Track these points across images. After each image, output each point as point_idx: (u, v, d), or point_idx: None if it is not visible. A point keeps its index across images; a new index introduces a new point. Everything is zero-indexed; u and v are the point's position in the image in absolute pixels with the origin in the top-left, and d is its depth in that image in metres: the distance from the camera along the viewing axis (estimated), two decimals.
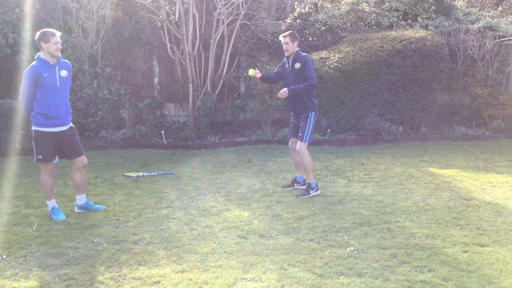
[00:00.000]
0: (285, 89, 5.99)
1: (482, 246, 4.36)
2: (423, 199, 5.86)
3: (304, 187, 6.30)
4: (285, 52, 6.12)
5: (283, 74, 6.29)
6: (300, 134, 6.10)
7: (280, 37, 6.14)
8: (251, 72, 6.21)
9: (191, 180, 7.02)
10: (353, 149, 9.24)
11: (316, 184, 6.18)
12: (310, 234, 4.73)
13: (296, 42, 6.08)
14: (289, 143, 6.51)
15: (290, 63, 6.13)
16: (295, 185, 6.50)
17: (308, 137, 6.07)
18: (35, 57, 5.18)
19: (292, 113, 6.37)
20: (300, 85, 5.97)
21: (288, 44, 6.03)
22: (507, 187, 6.39)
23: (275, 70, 6.49)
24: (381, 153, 8.80)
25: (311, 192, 6.06)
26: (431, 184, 6.56)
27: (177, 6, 9.96)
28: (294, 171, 7.37)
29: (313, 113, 6.10)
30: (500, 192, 6.15)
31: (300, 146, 6.09)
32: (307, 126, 6.05)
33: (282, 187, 6.53)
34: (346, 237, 4.62)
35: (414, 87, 10.03)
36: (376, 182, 6.75)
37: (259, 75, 6.27)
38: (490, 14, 12.31)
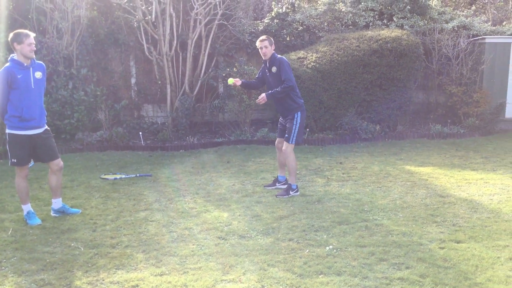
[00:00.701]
0: (263, 94, 6.04)
1: (458, 242, 4.45)
2: (400, 197, 5.94)
3: (285, 186, 6.32)
4: (263, 57, 6.10)
5: (265, 79, 6.29)
6: (286, 135, 6.10)
7: (257, 42, 6.09)
8: (231, 81, 6.22)
9: (169, 181, 6.97)
10: (331, 148, 9.30)
11: (297, 186, 6.20)
12: (289, 233, 4.75)
13: (273, 45, 6.08)
14: (276, 142, 6.55)
15: (268, 67, 6.13)
16: (277, 184, 6.52)
17: (294, 138, 6.07)
18: (9, 58, 5.08)
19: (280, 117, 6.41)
20: (277, 89, 5.97)
21: (267, 48, 6.02)
22: (482, 183, 6.52)
23: (257, 76, 6.47)
24: (359, 152, 8.89)
25: (290, 192, 6.08)
26: (408, 182, 6.65)
27: (153, 6, 9.87)
28: (273, 171, 7.40)
29: (299, 113, 6.09)
30: (475, 188, 6.27)
31: (286, 147, 6.10)
32: (293, 127, 6.05)
33: (264, 186, 6.54)
34: (325, 236, 4.65)
35: (390, 86, 10.15)
36: (354, 180, 6.81)
37: (239, 83, 6.26)
38: (464, 13, 12.53)
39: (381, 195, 6.05)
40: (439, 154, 8.55)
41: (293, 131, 6.05)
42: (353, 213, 5.33)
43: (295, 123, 6.06)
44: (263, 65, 6.29)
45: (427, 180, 6.76)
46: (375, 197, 5.94)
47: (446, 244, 4.39)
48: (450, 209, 5.45)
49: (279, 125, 6.42)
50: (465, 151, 8.80)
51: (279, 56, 6.10)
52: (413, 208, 5.49)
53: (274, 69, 6.04)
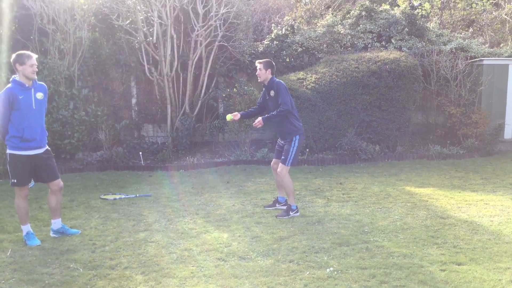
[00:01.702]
0: (260, 118, 6.05)
1: (459, 264, 4.42)
2: (400, 218, 5.93)
3: (285, 207, 6.32)
4: (258, 78, 6.19)
5: (265, 104, 6.35)
6: (283, 157, 6.10)
7: (256, 63, 6.22)
8: (229, 117, 6.19)
9: (169, 201, 6.96)
10: (331, 169, 9.31)
11: (297, 206, 6.20)
12: (289, 255, 4.73)
13: (269, 70, 6.12)
14: (272, 163, 6.54)
15: (267, 91, 6.21)
16: (277, 205, 6.52)
17: (290, 161, 6.07)
18: (10, 79, 5.12)
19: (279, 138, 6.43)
20: (273, 112, 6.02)
21: (261, 71, 6.10)
22: (482, 205, 6.51)
23: (258, 101, 6.51)
24: (359, 172, 8.89)
25: (290, 213, 6.07)
26: (408, 203, 6.64)
27: (155, 28, 9.99)
28: (273, 191, 7.40)
29: (297, 136, 6.10)
30: (475, 210, 6.26)
31: (282, 169, 6.09)
32: (291, 149, 6.06)
33: (264, 207, 6.53)
34: (325, 258, 4.63)
35: (389, 107, 10.21)
36: (355, 201, 6.80)
37: (237, 117, 6.22)
38: (461, 35, 12.68)
39: (381, 216, 6.04)
40: (439, 175, 8.55)
41: (290, 153, 6.06)
42: (353, 234, 5.31)
43: (293, 145, 6.07)
44: (263, 89, 6.35)
45: (428, 201, 6.75)
46: (375, 218, 5.93)
47: (447, 266, 4.37)
48: (451, 230, 5.43)
49: (276, 146, 6.43)
50: (465, 172, 8.81)
51: (277, 80, 6.15)
52: (414, 230, 5.47)
53: (272, 93, 6.11)
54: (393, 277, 4.15)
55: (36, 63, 5.10)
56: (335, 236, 5.27)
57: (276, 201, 6.55)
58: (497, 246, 4.90)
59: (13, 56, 5.06)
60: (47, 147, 5.30)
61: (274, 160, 6.47)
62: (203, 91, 10.78)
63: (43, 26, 9.51)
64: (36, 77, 5.13)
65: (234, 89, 10.42)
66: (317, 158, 9.85)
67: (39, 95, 5.16)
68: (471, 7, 15.12)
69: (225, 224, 5.81)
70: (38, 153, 5.16)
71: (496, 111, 10.98)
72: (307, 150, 9.98)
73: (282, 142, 6.25)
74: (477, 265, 4.40)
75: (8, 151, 5.10)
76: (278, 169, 6.14)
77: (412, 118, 10.92)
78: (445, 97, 11.12)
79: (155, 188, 7.86)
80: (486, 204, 6.55)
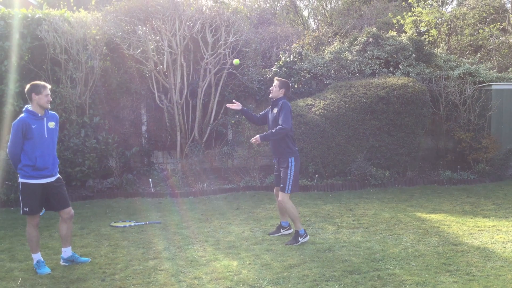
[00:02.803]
0: (257, 136, 6.08)
1: None
2: (412, 245, 5.86)
3: (289, 231, 6.29)
4: (270, 93, 6.28)
5: (267, 119, 6.41)
6: (281, 185, 6.08)
7: (275, 78, 6.34)
8: (236, 61, 6.42)
9: (179, 229, 6.96)
10: (341, 194, 9.27)
11: (305, 230, 6.15)
12: (300, 283, 4.68)
13: (283, 90, 6.19)
14: (274, 190, 6.57)
15: (271, 107, 6.28)
16: (281, 230, 6.50)
17: (290, 188, 6.03)
18: (23, 109, 5.23)
19: (274, 160, 6.40)
20: (272, 130, 6.03)
21: (275, 87, 6.19)
22: (494, 231, 6.43)
23: (262, 112, 6.62)
24: (369, 198, 8.84)
25: (299, 239, 6.02)
26: (420, 230, 6.57)
27: (165, 57, 10.16)
28: None
29: (292, 159, 6.08)
30: (488, 236, 6.19)
31: (283, 197, 6.07)
32: (288, 176, 6.03)
33: (269, 234, 6.50)
34: (336, 286, 4.58)
35: (398, 132, 10.22)
36: (365, 228, 6.75)
37: (239, 107, 6.46)
38: (469, 60, 12.73)
39: (392, 243, 5.98)
40: (450, 201, 8.48)
41: (288, 180, 6.02)
42: (364, 262, 5.26)
43: (289, 172, 6.03)
44: (270, 105, 6.40)
45: (439, 227, 6.68)
46: (386, 245, 5.87)
47: None
48: (463, 257, 5.36)
49: (275, 172, 6.43)
50: (476, 197, 8.73)
51: (285, 100, 6.17)
52: (426, 257, 5.40)
53: (275, 110, 6.14)
54: None
55: (50, 93, 5.21)
56: (346, 263, 5.22)
57: (280, 227, 6.52)
58: (510, 273, 4.82)
59: (28, 86, 5.18)
60: (58, 175, 5.36)
61: (276, 188, 6.47)
62: (212, 118, 10.87)
63: (55, 56, 9.71)
64: (49, 106, 5.23)
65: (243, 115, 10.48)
66: (326, 184, 9.83)
67: (51, 124, 5.25)
68: (478, 32, 15.22)
69: (235, 251, 5.79)
70: (50, 182, 5.22)
71: (506, 135, 10.93)
72: (316, 176, 9.96)
73: (278, 165, 6.25)
74: None
75: (20, 180, 5.17)
76: (279, 198, 6.13)
77: (422, 143, 10.89)
78: (454, 122, 11.11)
79: (164, 215, 7.86)
80: (499, 230, 6.47)
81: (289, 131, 6.01)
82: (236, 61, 6.36)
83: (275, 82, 6.23)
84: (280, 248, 5.87)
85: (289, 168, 6.05)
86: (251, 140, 6.14)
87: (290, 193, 6.08)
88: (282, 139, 6.06)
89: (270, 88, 6.26)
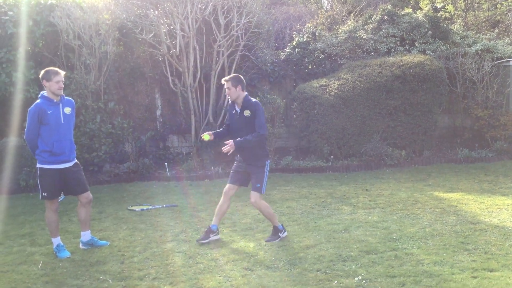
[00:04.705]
0: (231, 141, 5.29)
1: (491, 271, 4.32)
2: (429, 224, 5.82)
3: (217, 236, 5.59)
4: (228, 97, 5.55)
5: (231, 123, 5.66)
6: (258, 185, 5.47)
7: (222, 81, 5.57)
8: (206, 137, 5.56)
9: (195, 212, 7.01)
10: (356, 175, 9.23)
11: (282, 225, 5.67)
12: (316, 264, 4.69)
13: (239, 87, 5.41)
14: (226, 189, 5.66)
15: (238, 110, 5.49)
16: (211, 235, 5.53)
17: (264, 187, 5.53)
18: (39, 95, 5.27)
19: (238, 157, 5.70)
20: (247, 137, 5.33)
21: (230, 89, 5.41)
22: None
23: (227, 123, 5.85)
24: (385, 178, 8.78)
25: (280, 234, 5.53)
26: (437, 209, 6.52)
27: (177, 40, 10.12)
28: (298, 199, 7.37)
29: (268, 161, 5.60)
30: (507, 214, 6.11)
31: (256, 198, 5.48)
32: (265, 175, 5.53)
33: (197, 241, 5.52)
34: (353, 266, 4.58)
35: (414, 111, 10.09)
36: (382, 208, 6.72)
37: (212, 137, 5.57)
38: (487, 36, 12.46)
39: (409, 222, 5.95)
40: (467, 179, 8.38)
41: (264, 180, 5.50)
42: (381, 242, 5.24)
43: (266, 171, 5.54)
44: (229, 108, 5.68)
45: (457, 206, 6.62)
46: (403, 225, 5.84)
47: (478, 273, 4.27)
48: (482, 236, 5.31)
49: (238, 169, 5.66)
50: (495, 175, 8.61)
51: (254, 100, 5.50)
52: (443, 236, 5.37)
53: (247, 112, 5.41)
54: (423, 285, 4.08)
55: (63, 79, 5.23)
56: (362, 244, 5.22)
57: (209, 231, 5.54)
58: None
59: (42, 72, 5.21)
60: (76, 160, 5.42)
61: (229, 185, 5.66)
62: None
63: (69, 42, 9.73)
64: (62, 93, 5.26)
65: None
66: (342, 165, 9.78)
67: (67, 110, 5.29)
68: (496, 7, 14.86)
69: (251, 233, 5.82)
70: (67, 167, 5.28)
71: None
72: (332, 157, 9.92)
73: (246, 166, 5.57)
74: (510, 271, 4.29)
75: (38, 165, 5.23)
76: (252, 199, 5.49)
77: (439, 122, 10.76)
78: (471, 99, 10.93)
79: (181, 198, 7.92)
80: None
81: (266, 135, 5.57)
82: (205, 136, 5.55)
83: (226, 84, 5.43)
84: (296, 229, 5.88)
85: (265, 167, 5.55)
86: (223, 149, 5.34)
87: (263, 194, 5.58)
88: (258, 144, 5.45)
89: (226, 93, 5.49)
